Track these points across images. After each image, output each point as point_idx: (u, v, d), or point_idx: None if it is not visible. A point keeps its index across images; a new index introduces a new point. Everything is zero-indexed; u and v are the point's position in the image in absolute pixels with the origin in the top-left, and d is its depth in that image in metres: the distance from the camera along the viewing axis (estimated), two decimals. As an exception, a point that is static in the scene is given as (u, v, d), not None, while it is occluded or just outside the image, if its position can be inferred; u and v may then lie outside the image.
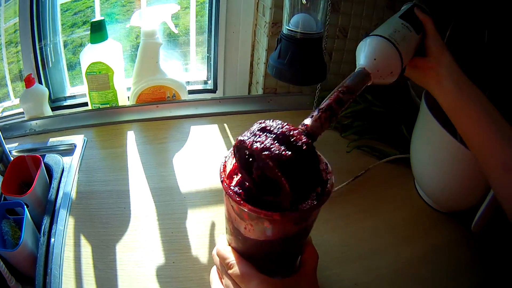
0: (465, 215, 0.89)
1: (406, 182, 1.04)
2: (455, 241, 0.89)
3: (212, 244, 0.77)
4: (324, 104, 0.55)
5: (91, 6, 1.12)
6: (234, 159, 0.56)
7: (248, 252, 0.62)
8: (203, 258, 0.74)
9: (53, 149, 0.92)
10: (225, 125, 1.14)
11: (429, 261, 0.82)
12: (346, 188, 0.96)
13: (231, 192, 0.53)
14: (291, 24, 0.84)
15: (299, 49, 0.84)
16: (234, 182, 0.59)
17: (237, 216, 0.56)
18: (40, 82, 1.10)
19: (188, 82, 1.33)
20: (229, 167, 0.61)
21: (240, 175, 0.59)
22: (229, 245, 0.64)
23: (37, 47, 1.07)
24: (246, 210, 0.51)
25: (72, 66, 1.18)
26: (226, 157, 0.60)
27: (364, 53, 0.67)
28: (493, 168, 0.64)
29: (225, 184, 0.54)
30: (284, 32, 0.86)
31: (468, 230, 0.83)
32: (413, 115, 0.95)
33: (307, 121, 0.54)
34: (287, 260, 0.66)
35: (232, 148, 0.57)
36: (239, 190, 0.55)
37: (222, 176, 0.56)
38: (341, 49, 1.28)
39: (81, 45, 1.16)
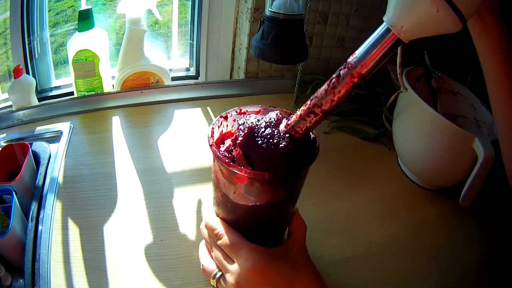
0: (451, 191, 0.90)
1: (389, 160, 1.05)
2: (443, 216, 0.90)
3: (199, 221, 0.77)
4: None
5: (72, 6, 1.12)
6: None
7: (237, 221, 0.62)
8: (191, 235, 0.73)
9: (39, 137, 0.90)
10: (208, 108, 1.14)
11: (417, 236, 0.83)
12: (330, 166, 0.97)
13: (220, 155, 0.53)
14: (273, 6, 0.85)
15: (281, 29, 0.85)
16: (223, 149, 0.59)
17: (226, 180, 0.56)
18: (28, 73, 1.09)
19: (171, 70, 1.32)
20: (216, 135, 0.61)
21: (227, 144, 0.60)
22: (217, 216, 0.64)
23: (26, 40, 1.06)
24: (235, 171, 0.52)
25: (58, 60, 1.17)
26: (213, 123, 0.60)
27: None
28: None
29: (214, 147, 0.55)
30: (266, 14, 0.86)
31: (455, 206, 0.84)
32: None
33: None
34: (275, 229, 0.66)
35: (219, 116, 0.61)
36: (228, 155, 0.56)
37: (211, 141, 0.56)
38: (321, 34, 1.29)
39: (63, 44, 1.15)
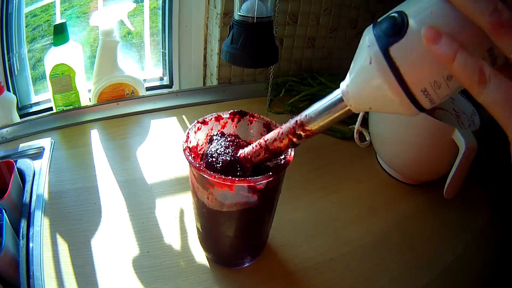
0: (433, 184, 0.93)
1: (368, 157, 1.08)
2: (425, 210, 0.93)
3: (182, 230, 0.79)
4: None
5: (48, 20, 1.12)
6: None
7: (215, 227, 0.65)
8: (176, 245, 0.76)
9: (23, 154, 0.91)
10: (183, 116, 1.16)
11: (401, 231, 0.86)
12: (309, 168, 0.99)
13: (191, 160, 0.56)
14: (242, 10, 0.86)
15: (251, 33, 0.86)
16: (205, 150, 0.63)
17: (199, 185, 0.59)
18: (8, 90, 1.09)
19: (145, 80, 1.34)
20: (192, 140, 0.64)
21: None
22: (197, 224, 0.68)
23: (6, 57, 1.06)
24: (205, 176, 0.54)
25: (36, 76, 1.18)
26: (189, 129, 0.63)
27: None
28: None
29: (187, 152, 0.58)
30: (235, 18, 0.87)
31: (438, 199, 0.87)
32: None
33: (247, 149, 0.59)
34: (252, 236, 0.69)
35: (196, 122, 0.65)
36: (201, 162, 0.61)
37: (184, 146, 0.59)
38: (291, 35, 1.32)
39: (40, 60, 1.16)
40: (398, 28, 0.37)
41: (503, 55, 0.35)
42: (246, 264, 0.73)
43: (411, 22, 0.37)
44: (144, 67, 1.38)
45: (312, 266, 0.75)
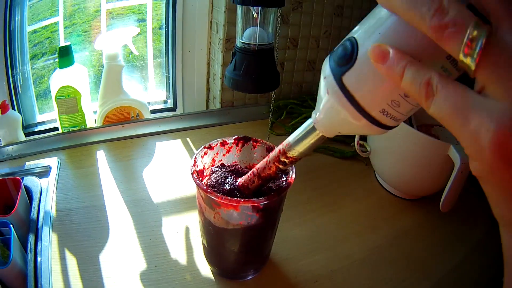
0: (430, 199, 0.93)
1: (367, 176, 1.09)
2: (423, 224, 0.93)
3: (187, 246, 0.80)
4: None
5: (49, 37, 1.14)
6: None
7: (220, 243, 0.67)
8: (182, 259, 0.76)
9: (30, 172, 0.92)
10: (188, 139, 1.17)
11: (398, 245, 0.86)
12: (309, 187, 1.00)
13: (200, 183, 0.59)
14: (244, 37, 0.89)
15: (253, 60, 0.88)
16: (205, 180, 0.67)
17: (206, 205, 0.61)
18: (13, 109, 1.10)
19: (149, 103, 1.35)
20: (200, 165, 0.67)
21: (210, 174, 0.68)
22: (203, 240, 0.70)
23: (10, 75, 1.08)
24: (212, 197, 0.57)
25: (39, 94, 1.19)
26: (196, 153, 0.66)
27: None
28: None
29: (195, 176, 0.60)
30: (238, 45, 0.90)
31: (435, 213, 0.87)
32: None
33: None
34: (256, 252, 0.70)
35: (203, 147, 0.67)
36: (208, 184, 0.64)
37: (192, 169, 0.62)
38: (292, 59, 1.34)
39: (42, 77, 1.17)
40: (349, 56, 0.38)
41: None
42: (250, 277, 0.74)
43: (360, 47, 0.37)
44: (147, 88, 1.39)
45: (313, 278, 0.76)
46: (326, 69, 0.41)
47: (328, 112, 0.43)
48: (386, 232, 0.89)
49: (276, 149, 0.55)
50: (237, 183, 0.62)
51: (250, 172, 0.60)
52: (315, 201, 0.97)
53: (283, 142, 0.53)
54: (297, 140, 0.51)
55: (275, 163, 0.55)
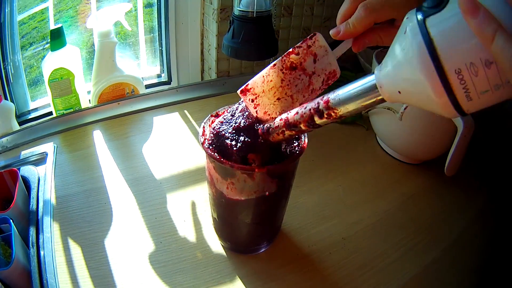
0: (433, 163, 0.92)
1: (368, 140, 1.07)
2: (429, 188, 0.92)
3: (195, 222, 0.77)
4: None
5: (37, 27, 1.09)
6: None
7: (232, 215, 0.64)
8: (191, 237, 0.74)
9: (26, 161, 0.88)
10: (185, 111, 1.13)
11: (407, 209, 0.85)
12: (310, 153, 0.96)
13: (211, 152, 0.55)
14: (242, 5, 0.86)
15: (251, 27, 0.87)
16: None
17: (219, 176, 0.57)
18: (6, 99, 1.06)
19: (143, 78, 1.30)
20: (208, 134, 0.61)
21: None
22: (213, 214, 0.67)
23: (2, 66, 1.03)
24: (227, 166, 0.54)
25: (30, 82, 1.15)
26: (204, 122, 0.62)
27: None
28: None
29: (206, 145, 0.57)
30: (235, 13, 0.87)
31: (440, 177, 0.85)
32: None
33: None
34: (269, 223, 0.68)
35: (210, 115, 0.63)
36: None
37: (202, 139, 0.58)
38: (287, 26, 1.30)
39: (32, 66, 1.13)
40: (439, 1, 0.35)
41: None
42: (262, 250, 0.72)
43: None
44: (140, 65, 1.35)
45: (325, 247, 0.74)
46: (410, 12, 0.38)
47: (397, 53, 0.38)
48: (392, 198, 0.88)
49: (316, 100, 0.48)
50: (257, 128, 0.56)
51: (278, 118, 0.53)
52: (319, 167, 0.95)
53: (328, 94, 0.47)
54: (350, 96, 0.44)
55: (313, 115, 0.48)
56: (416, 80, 0.36)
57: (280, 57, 0.53)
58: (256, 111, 0.55)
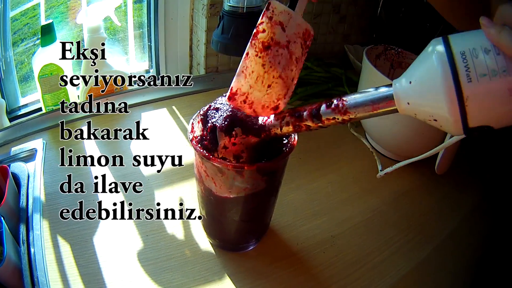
0: (427, 160, 0.92)
1: (356, 138, 1.07)
2: (419, 185, 0.93)
3: (184, 219, 0.77)
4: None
5: (28, 23, 1.08)
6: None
7: (221, 213, 0.63)
8: (179, 235, 0.73)
9: (16, 158, 0.87)
10: (173, 107, 1.13)
11: (398, 207, 0.86)
12: (297, 150, 0.96)
13: (200, 149, 0.54)
14: (232, 0, 0.86)
15: (242, 22, 0.86)
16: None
17: (206, 173, 0.57)
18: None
19: (131, 74, 1.29)
20: (197, 131, 0.60)
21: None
22: (201, 211, 0.66)
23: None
24: (215, 164, 0.53)
25: (21, 78, 1.13)
26: (193, 119, 0.60)
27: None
28: None
29: (194, 142, 0.56)
30: (225, 9, 0.87)
31: (431, 175, 0.87)
32: (355, 78, 0.96)
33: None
34: (258, 221, 0.68)
35: (198, 113, 0.60)
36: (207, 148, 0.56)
37: (191, 136, 0.57)
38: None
39: (23, 62, 1.12)
40: None
41: None
42: (251, 247, 0.72)
43: None
44: (129, 60, 1.34)
45: (315, 245, 0.74)
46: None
47: (423, 78, 0.40)
48: (384, 195, 0.88)
49: (330, 102, 0.47)
50: (262, 121, 0.54)
51: (285, 112, 0.52)
52: (307, 165, 0.95)
53: (341, 96, 0.46)
54: (365, 101, 0.44)
55: (334, 118, 0.47)
56: (436, 101, 0.38)
57: (249, 43, 0.51)
58: (254, 110, 0.52)
